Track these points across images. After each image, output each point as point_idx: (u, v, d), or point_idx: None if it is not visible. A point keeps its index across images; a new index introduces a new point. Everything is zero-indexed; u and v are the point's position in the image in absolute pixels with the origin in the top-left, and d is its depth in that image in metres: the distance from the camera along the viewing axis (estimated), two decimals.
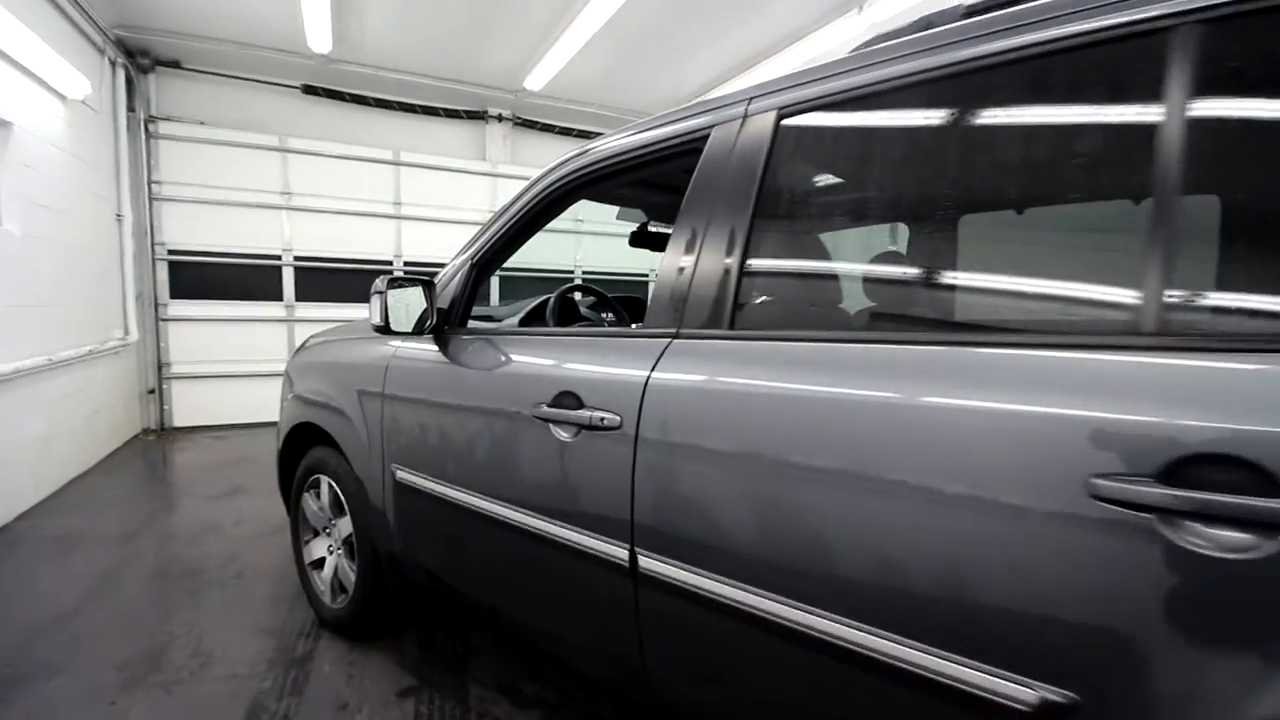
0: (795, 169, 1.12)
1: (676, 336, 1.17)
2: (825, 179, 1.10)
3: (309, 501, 2.17)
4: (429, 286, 1.67)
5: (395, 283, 1.64)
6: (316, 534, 2.20)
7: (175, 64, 5.03)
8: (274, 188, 5.35)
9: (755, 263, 1.12)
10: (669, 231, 2.62)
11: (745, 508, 0.99)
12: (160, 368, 5.15)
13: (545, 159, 6.37)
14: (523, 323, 1.86)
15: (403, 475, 1.70)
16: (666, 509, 1.09)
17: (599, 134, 1.63)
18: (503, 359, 1.49)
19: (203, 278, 5.20)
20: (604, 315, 2.37)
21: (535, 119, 6.30)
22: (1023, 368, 0.78)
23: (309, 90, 5.45)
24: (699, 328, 1.14)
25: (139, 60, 4.87)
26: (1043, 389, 0.75)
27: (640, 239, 2.25)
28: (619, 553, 1.17)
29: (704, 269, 1.15)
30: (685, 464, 1.07)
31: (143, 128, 4.90)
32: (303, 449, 2.21)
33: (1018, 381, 0.77)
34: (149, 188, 4.96)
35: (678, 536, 1.08)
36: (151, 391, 5.11)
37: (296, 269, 5.48)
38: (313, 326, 5.46)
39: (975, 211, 0.96)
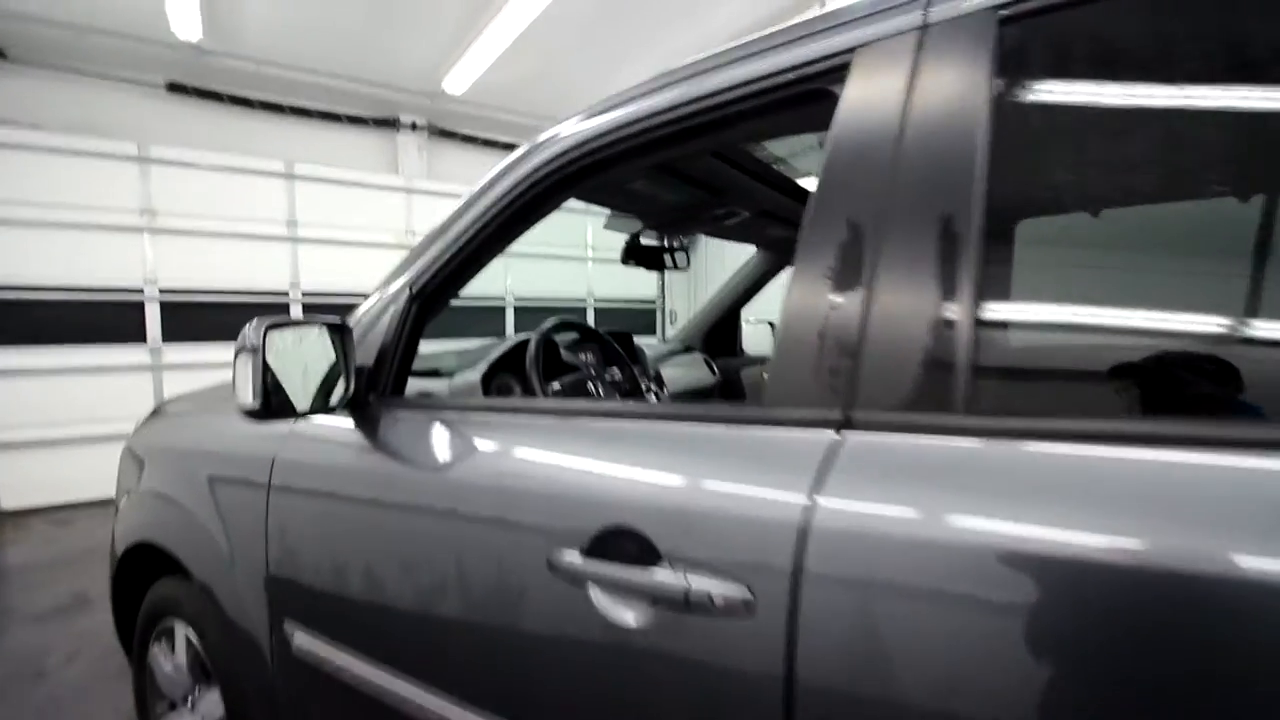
0: (1063, 110, 0.60)
1: (846, 425, 0.62)
2: (1141, 120, 0.59)
3: (159, 658, 1.43)
4: (341, 332, 1.04)
5: (279, 327, 0.99)
6: (174, 706, 1.46)
7: None
8: (132, 206, 4.37)
9: (1008, 294, 0.59)
10: (662, 245, 2.09)
11: None
12: None
13: (468, 174, 5.74)
14: (487, 380, 1.25)
15: (303, 641, 1.04)
16: None
17: None
18: (483, 453, 0.88)
19: (34, 319, 4.10)
20: (583, 357, 1.78)
21: (455, 128, 5.62)
22: None
23: (175, 88, 4.55)
24: (895, 410, 0.59)
25: None
26: None
27: (634, 255, 1.70)
28: None
29: (890, 304, 0.61)
30: None
31: None
32: (150, 573, 1.48)
33: None
34: None
35: None
36: None
37: (163, 304, 4.50)
38: (187, 373, 4.49)
39: None
